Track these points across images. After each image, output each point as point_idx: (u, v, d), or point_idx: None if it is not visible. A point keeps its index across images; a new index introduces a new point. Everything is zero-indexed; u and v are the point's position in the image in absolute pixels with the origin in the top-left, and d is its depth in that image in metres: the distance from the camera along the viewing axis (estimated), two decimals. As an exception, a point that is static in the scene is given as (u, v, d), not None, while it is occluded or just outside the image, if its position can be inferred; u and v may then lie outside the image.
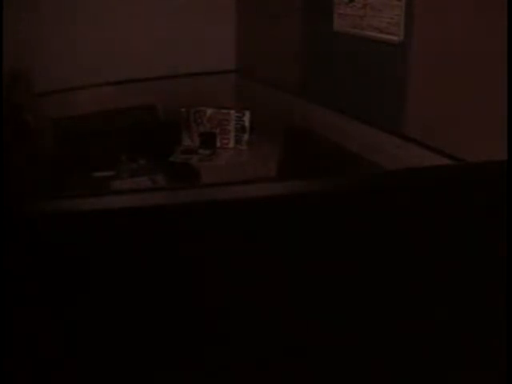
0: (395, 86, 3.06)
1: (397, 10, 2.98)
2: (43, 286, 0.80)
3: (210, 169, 3.86)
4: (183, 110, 4.12)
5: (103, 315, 0.83)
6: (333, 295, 0.90)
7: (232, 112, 4.11)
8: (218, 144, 4.14)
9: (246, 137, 4.10)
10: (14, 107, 3.36)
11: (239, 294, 0.87)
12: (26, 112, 3.40)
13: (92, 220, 0.81)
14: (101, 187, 3.60)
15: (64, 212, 0.82)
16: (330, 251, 0.89)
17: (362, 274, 0.90)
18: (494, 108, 2.45)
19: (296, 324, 0.89)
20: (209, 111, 4.13)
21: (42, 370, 0.83)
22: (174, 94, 4.16)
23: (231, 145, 4.14)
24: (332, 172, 2.53)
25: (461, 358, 0.97)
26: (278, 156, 3.78)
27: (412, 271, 0.92)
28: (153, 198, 0.91)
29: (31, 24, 3.55)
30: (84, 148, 3.72)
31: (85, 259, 0.80)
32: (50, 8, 3.69)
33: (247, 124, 4.09)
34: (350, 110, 3.39)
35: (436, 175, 0.98)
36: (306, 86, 3.81)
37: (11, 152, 3.00)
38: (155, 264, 0.83)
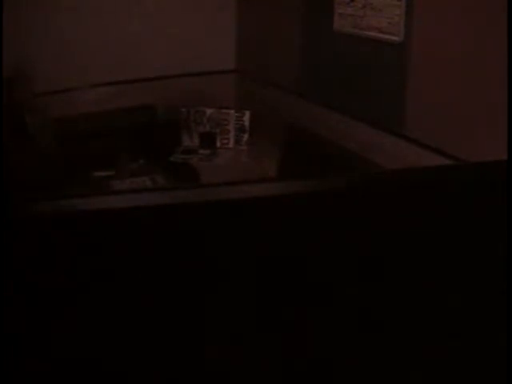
0: (395, 86, 3.06)
1: (397, 10, 2.98)
2: (43, 286, 0.80)
3: (210, 169, 3.86)
4: (183, 109, 4.12)
5: (103, 315, 0.83)
6: (333, 294, 0.90)
7: (232, 112, 4.11)
8: (218, 144, 4.14)
9: (246, 137, 4.10)
10: (13, 106, 3.36)
11: (239, 294, 0.87)
12: (25, 111, 3.40)
13: (92, 220, 0.81)
14: (101, 187, 3.60)
15: (64, 212, 0.82)
16: (330, 251, 0.89)
17: (361, 273, 0.90)
18: (494, 108, 2.45)
19: (296, 324, 0.89)
20: (209, 111, 4.13)
21: (41, 369, 0.83)
22: (174, 93, 4.16)
23: (231, 145, 4.14)
24: (332, 172, 2.53)
25: (461, 358, 0.97)
26: (277, 156, 3.77)
27: (411, 271, 0.92)
28: (153, 198, 0.91)
29: (31, 24, 3.55)
30: (84, 148, 3.72)
31: (85, 259, 0.80)
32: (50, 8, 3.68)
33: (247, 124, 4.08)
34: (350, 109, 3.39)
35: (436, 175, 0.98)
36: (305, 85, 3.80)
37: (11, 152, 3.00)
38: (155, 264, 0.83)
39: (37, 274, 0.79)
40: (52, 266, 0.80)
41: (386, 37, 3.07)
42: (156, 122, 4.17)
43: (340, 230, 0.88)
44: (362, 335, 0.92)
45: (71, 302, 0.82)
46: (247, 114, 4.08)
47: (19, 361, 0.81)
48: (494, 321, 0.96)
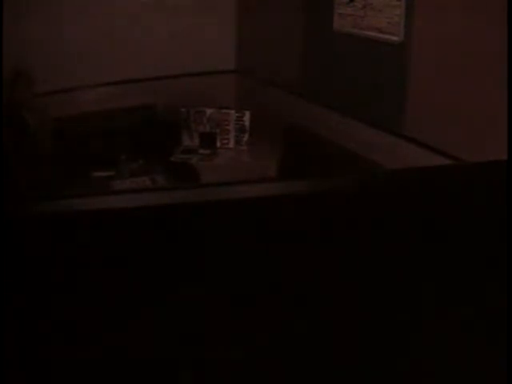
0: (395, 86, 3.06)
1: (397, 10, 2.98)
2: (43, 286, 0.80)
3: (210, 169, 3.86)
4: (183, 109, 4.13)
5: (104, 314, 0.83)
6: (333, 293, 0.90)
7: (232, 112, 4.11)
8: (218, 144, 4.14)
9: (246, 137, 4.10)
10: (13, 106, 3.36)
11: (238, 293, 0.87)
12: (25, 111, 3.40)
13: (92, 220, 0.81)
14: (101, 187, 3.60)
15: (64, 212, 0.82)
16: (329, 250, 0.89)
17: (361, 273, 0.90)
18: (494, 108, 2.44)
19: (293, 323, 0.89)
20: (209, 111, 4.13)
21: (40, 369, 0.83)
22: (173, 93, 4.16)
23: (231, 145, 4.14)
24: (332, 172, 2.53)
25: (460, 358, 0.97)
26: (277, 156, 3.78)
27: (412, 271, 0.92)
28: (153, 197, 0.91)
29: (31, 24, 3.55)
30: (84, 148, 3.72)
31: (85, 259, 0.80)
32: (50, 8, 3.68)
33: (247, 124, 4.09)
34: (350, 109, 3.39)
35: (436, 175, 0.98)
36: (305, 85, 3.80)
37: (11, 152, 3.00)
38: (155, 263, 0.83)
39: (37, 273, 0.79)
40: (52, 266, 0.80)
41: (386, 37, 3.07)
42: (156, 121, 4.17)
43: (340, 229, 0.88)
44: (360, 337, 0.92)
45: (71, 302, 0.82)
46: (247, 114, 4.08)
47: (18, 360, 0.81)
48: (494, 321, 0.96)
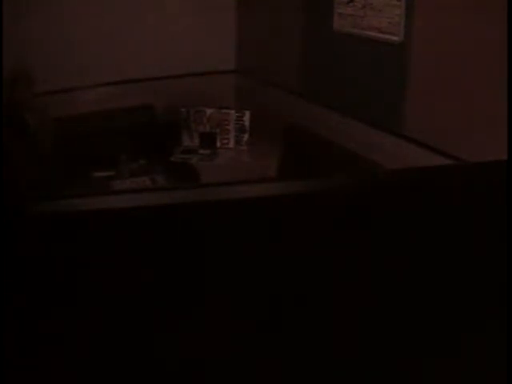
0: (395, 86, 3.06)
1: (397, 10, 2.98)
2: (43, 286, 0.80)
3: (210, 169, 3.86)
4: (183, 110, 4.13)
5: (103, 314, 0.83)
6: (332, 293, 0.90)
7: (232, 112, 4.11)
8: (218, 144, 4.14)
9: (246, 137, 4.10)
10: (13, 106, 3.36)
11: (239, 293, 0.87)
12: (25, 111, 3.40)
13: (92, 220, 0.81)
14: (101, 187, 3.60)
15: (64, 212, 0.82)
16: (329, 250, 0.89)
17: (361, 273, 0.90)
18: (494, 108, 2.44)
19: (300, 325, 0.89)
20: (209, 111, 4.13)
21: (39, 369, 0.83)
22: (174, 94, 4.16)
23: (231, 145, 4.14)
24: (332, 172, 2.53)
25: (461, 357, 0.97)
26: (277, 156, 3.78)
27: (411, 271, 0.92)
28: (153, 198, 0.91)
29: (31, 24, 3.55)
30: (84, 148, 3.72)
31: (85, 259, 0.80)
32: (50, 8, 3.68)
33: (247, 124, 4.09)
34: (350, 109, 3.39)
35: (436, 175, 0.98)
36: (306, 85, 3.80)
37: (11, 152, 3.00)
38: (155, 264, 0.83)
39: (37, 273, 0.79)
40: (52, 266, 0.80)
41: (386, 37, 3.07)
42: (156, 121, 4.17)
43: (340, 229, 0.88)
44: (360, 337, 0.92)
45: (71, 302, 0.82)
46: (247, 114, 4.08)
47: (18, 360, 0.81)
48: (494, 321, 0.96)
